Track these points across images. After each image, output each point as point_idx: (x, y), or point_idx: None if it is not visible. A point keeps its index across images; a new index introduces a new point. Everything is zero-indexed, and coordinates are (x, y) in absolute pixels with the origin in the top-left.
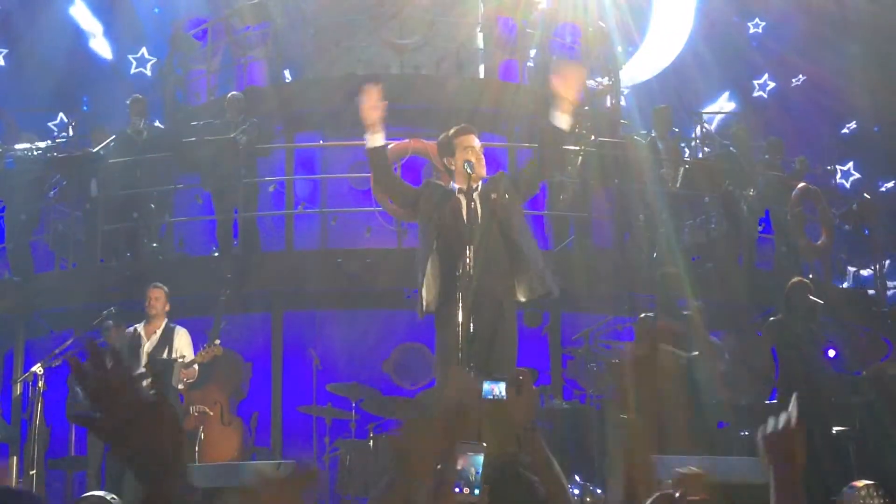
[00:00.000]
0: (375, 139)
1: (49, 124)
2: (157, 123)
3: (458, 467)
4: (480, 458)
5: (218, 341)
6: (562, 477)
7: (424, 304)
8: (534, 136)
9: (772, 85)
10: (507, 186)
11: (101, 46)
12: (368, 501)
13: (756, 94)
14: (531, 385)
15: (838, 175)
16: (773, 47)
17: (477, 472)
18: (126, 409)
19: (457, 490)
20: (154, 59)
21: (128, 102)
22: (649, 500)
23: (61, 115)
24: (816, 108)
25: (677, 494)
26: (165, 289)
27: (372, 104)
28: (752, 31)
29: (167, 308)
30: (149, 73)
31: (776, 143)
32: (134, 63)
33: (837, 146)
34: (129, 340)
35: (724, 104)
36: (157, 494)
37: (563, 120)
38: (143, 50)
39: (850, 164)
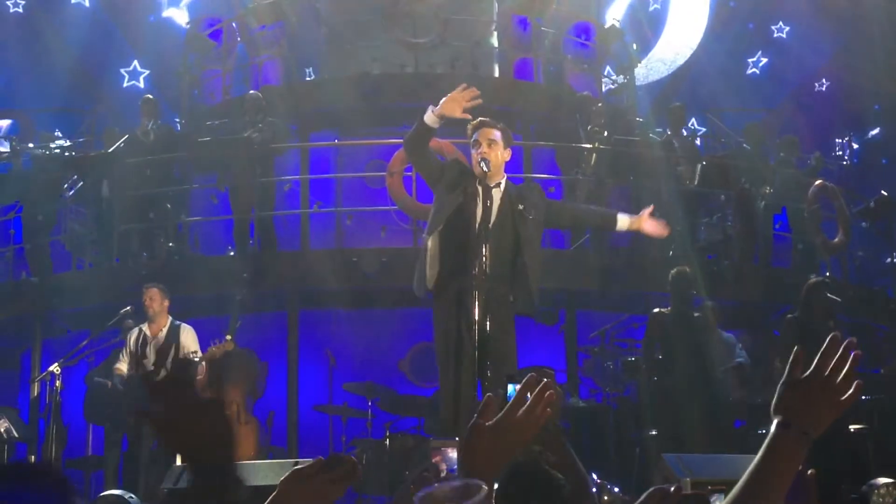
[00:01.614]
0: (433, 119)
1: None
2: (183, 120)
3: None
4: (454, 455)
5: (229, 337)
6: (585, 476)
7: (427, 278)
8: (548, 134)
9: (764, 61)
10: (539, 205)
11: (179, 15)
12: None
13: (750, 71)
14: (556, 386)
15: (837, 149)
16: (796, 52)
17: (450, 470)
18: (184, 406)
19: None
20: (147, 72)
21: (139, 103)
22: (644, 495)
23: (57, 132)
24: (839, 113)
25: (672, 489)
26: (160, 287)
27: (458, 98)
28: (775, 35)
29: (166, 303)
30: (142, 85)
31: (791, 141)
32: (126, 76)
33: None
34: (136, 339)
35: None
36: (209, 487)
37: (622, 225)
38: (136, 63)
39: (849, 137)
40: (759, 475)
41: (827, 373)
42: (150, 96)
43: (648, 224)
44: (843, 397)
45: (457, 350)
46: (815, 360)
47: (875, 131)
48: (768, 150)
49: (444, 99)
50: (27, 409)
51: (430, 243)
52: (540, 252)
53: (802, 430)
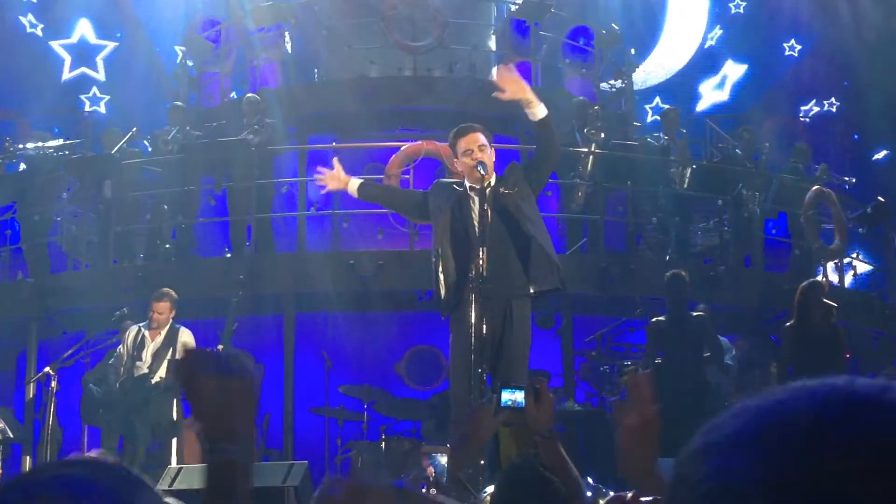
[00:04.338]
0: (352, 189)
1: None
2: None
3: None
4: (444, 460)
5: (220, 347)
6: (580, 480)
7: (443, 300)
8: None
9: (720, 33)
10: (518, 176)
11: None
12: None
13: (707, 45)
14: (549, 392)
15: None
16: (809, 70)
17: (437, 474)
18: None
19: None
20: (107, 97)
21: (167, 108)
22: (603, 502)
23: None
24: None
25: (629, 495)
26: (172, 297)
27: (325, 179)
28: (787, 52)
29: (173, 313)
30: (104, 110)
31: (803, 149)
32: (87, 103)
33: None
34: (133, 338)
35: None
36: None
37: (534, 114)
38: (95, 89)
39: (813, 101)
40: None
41: None
42: (179, 103)
43: (503, 95)
44: None
45: (468, 356)
46: None
47: (881, 154)
48: (760, 155)
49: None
50: (23, 409)
51: (440, 267)
52: (542, 223)
53: None
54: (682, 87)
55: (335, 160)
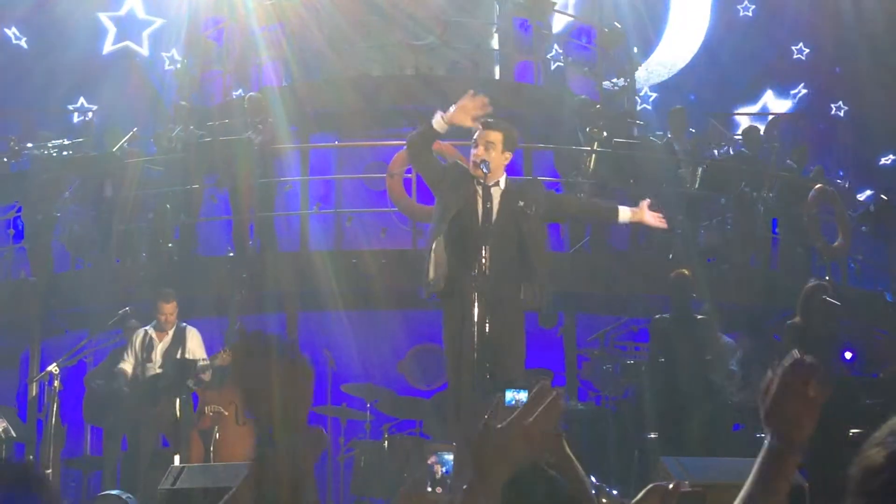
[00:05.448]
0: (441, 126)
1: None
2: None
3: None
4: (450, 458)
5: None
6: (585, 479)
7: (431, 280)
8: (549, 137)
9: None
10: (539, 199)
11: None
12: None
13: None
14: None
15: (790, 102)
16: (815, 70)
17: (445, 472)
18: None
19: (429, 489)
20: (95, 107)
21: (173, 108)
22: (643, 492)
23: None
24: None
25: (671, 486)
26: (175, 297)
27: (467, 107)
28: (795, 56)
29: (177, 312)
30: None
31: (802, 151)
32: (76, 113)
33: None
34: (141, 341)
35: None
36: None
37: (624, 217)
38: (82, 99)
39: (801, 85)
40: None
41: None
42: (183, 102)
43: (649, 215)
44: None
45: (461, 353)
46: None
47: (888, 159)
48: (767, 154)
49: (453, 107)
50: (26, 409)
51: (434, 245)
52: (546, 247)
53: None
54: (675, 80)
55: (478, 98)
